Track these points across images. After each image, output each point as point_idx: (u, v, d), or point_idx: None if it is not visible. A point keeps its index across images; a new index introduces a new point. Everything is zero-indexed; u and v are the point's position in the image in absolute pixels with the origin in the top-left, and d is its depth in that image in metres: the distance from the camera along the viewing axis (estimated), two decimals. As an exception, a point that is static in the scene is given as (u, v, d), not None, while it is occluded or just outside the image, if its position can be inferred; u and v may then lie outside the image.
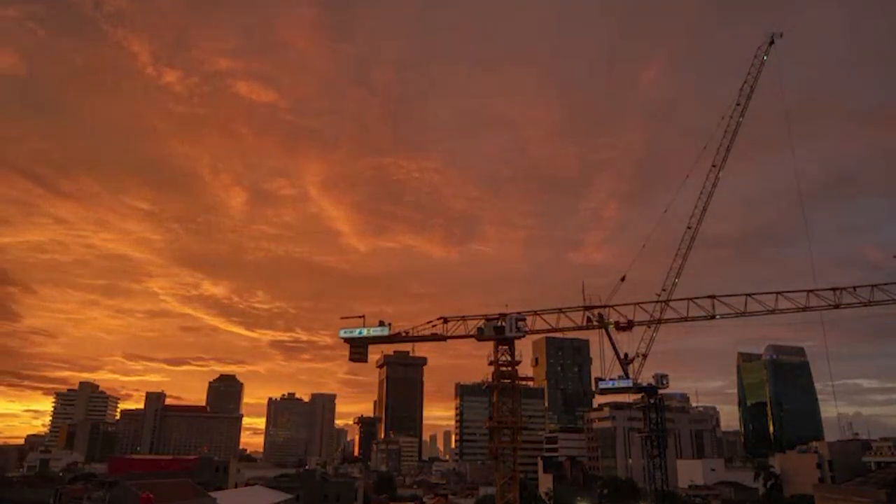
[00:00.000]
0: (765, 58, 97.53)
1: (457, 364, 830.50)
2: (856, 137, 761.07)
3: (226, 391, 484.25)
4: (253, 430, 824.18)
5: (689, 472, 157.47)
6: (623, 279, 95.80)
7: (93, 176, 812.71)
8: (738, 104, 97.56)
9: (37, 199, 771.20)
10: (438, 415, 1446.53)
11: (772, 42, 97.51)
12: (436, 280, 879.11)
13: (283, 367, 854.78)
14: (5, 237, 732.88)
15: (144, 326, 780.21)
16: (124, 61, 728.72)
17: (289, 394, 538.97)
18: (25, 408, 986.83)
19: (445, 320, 79.73)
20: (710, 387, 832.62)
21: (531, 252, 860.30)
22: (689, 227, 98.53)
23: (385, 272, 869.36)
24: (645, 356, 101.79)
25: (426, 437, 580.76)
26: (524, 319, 78.52)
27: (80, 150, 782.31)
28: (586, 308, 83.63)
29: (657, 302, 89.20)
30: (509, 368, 78.14)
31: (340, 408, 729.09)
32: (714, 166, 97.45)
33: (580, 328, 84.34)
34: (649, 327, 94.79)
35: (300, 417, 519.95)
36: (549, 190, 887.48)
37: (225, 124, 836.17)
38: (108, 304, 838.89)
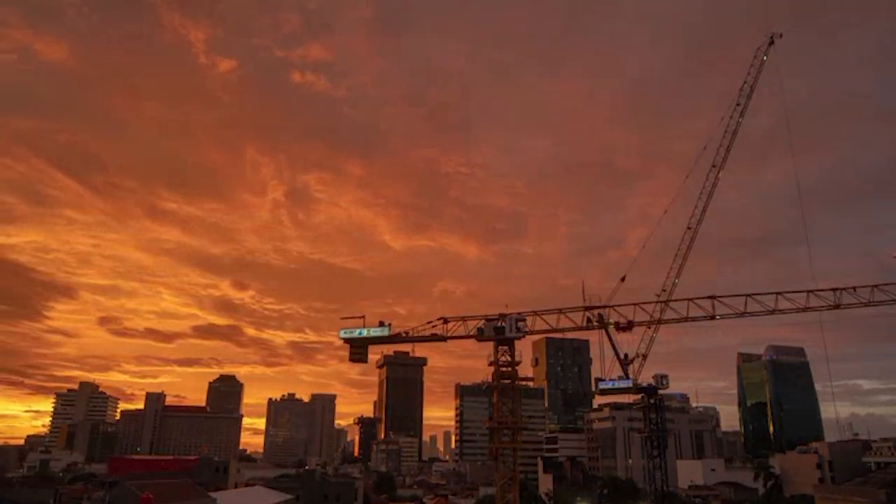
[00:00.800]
0: (765, 58, 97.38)
1: (457, 364, 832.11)
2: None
3: (226, 391, 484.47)
4: (253, 431, 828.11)
5: (689, 473, 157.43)
6: (623, 279, 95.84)
7: (126, 172, 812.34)
8: (737, 104, 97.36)
9: (71, 194, 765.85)
10: (438, 415, 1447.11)
11: (771, 42, 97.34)
12: (469, 279, 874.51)
13: (297, 368, 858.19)
14: (32, 234, 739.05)
15: (161, 327, 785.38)
16: (178, 49, 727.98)
17: (289, 394, 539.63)
18: (27, 408, 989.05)
19: (445, 321, 79.72)
20: (710, 387, 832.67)
21: (572, 248, 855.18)
22: (688, 228, 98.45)
23: (417, 271, 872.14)
24: (645, 356, 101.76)
25: (426, 437, 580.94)
26: (524, 320, 78.51)
27: (120, 144, 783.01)
28: (586, 308, 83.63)
29: (657, 302, 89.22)
30: (509, 369, 78.10)
31: (340, 408, 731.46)
32: (714, 166, 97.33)
33: (580, 328, 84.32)
34: (649, 328, 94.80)
35: (300, 418, 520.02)
36: (600, 183, 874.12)
37: (273, 115, 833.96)
38: (129, 306, 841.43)
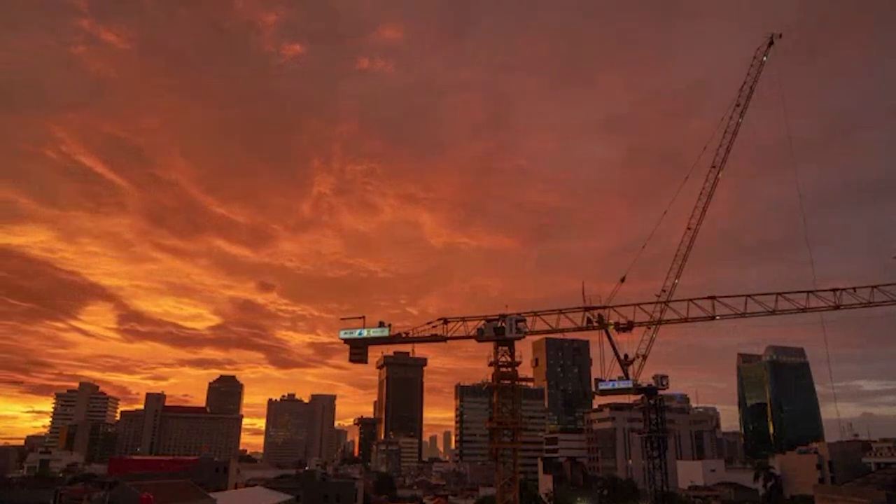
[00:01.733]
0: (764, 58, 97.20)
1: (457, 365, 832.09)
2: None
3: (226, 392, 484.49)
4: (253, 431, 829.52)
5: (689, 473, 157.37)
6: (623, 280, 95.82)
7: (171, 167, 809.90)
8: (737, 104, 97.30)
9: (111, 189, 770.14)
10: (438, 416, 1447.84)
11: (771, 43, 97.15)
12: (508, 277, 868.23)
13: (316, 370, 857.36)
14: (47, 232, 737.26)
15: (180, 328, 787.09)
16: (245, 34, 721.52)
17: (289, 394, 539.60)
18: (29, 408, 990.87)
19: (445, 321, 79.72)
20: (710, 387, 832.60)
21: (614, 246, 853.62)
22: (688, 228, 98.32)
23: (454, 267, 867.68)
24: (645, 357, 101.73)
25: (426, 437, 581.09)
26: (524, 320, 78.52)
27: (170, 138, 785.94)
28: (586, 309, 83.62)
29: (657, 303, 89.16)
30: (509, 369, 78.11)
31: (340, 409, 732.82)
32: (714, 167, 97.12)
33: (580, 329, 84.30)
34: (649, 328, 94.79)
35: (300, 418, 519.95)
36: (651, 185, 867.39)
37: (334, 102, 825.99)
38: (151, 307, 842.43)
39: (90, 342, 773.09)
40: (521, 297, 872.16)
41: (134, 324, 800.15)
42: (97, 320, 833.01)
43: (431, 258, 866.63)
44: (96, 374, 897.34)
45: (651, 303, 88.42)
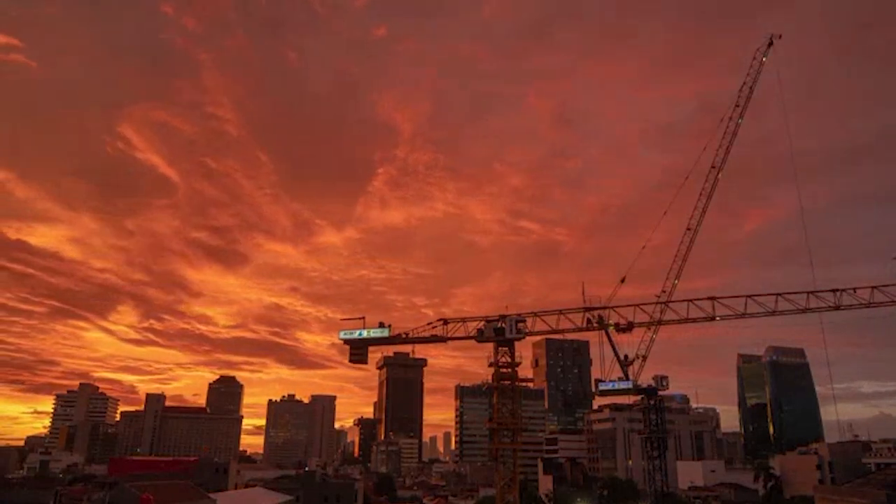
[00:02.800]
0: (763, 59, 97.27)
1: (457, 366, 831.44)
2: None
3: (226, 392, 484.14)
4: (253, 431, 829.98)
5: (689, 474, 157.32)
6: (623, 280, 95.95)
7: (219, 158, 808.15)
8: (737, 105, 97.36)
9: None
10: (438, 416, 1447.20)
11: (770, 44, 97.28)
12: (558, 273, 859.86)
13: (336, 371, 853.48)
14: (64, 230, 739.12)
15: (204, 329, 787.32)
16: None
17: (289, 395, 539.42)
18: (33, 409, 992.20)
19: (445, 322, 79.88)
20: (710, 388, 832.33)
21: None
22: (688, 229, 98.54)
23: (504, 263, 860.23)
24: (645, 358, 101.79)
25: (426, 438, 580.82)
26: (524, 321, 78.64)
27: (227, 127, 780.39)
28: (586, 310, 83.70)
29: (657, 303, 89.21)
30: (509, 370, 78.18)
31: (340, 409, 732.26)
32: (714, 167, 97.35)
33: (580, 329, 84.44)
34: (649, 329, 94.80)
35: (300, 419, 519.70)
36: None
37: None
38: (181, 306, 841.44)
39: (108, 342, 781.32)
40: (557, 297, 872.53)
41: (153, 322, 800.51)
42: (121, 319, 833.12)
43: (476, 255, 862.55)
44: (108, 375, 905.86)
45: (651, 303, 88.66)
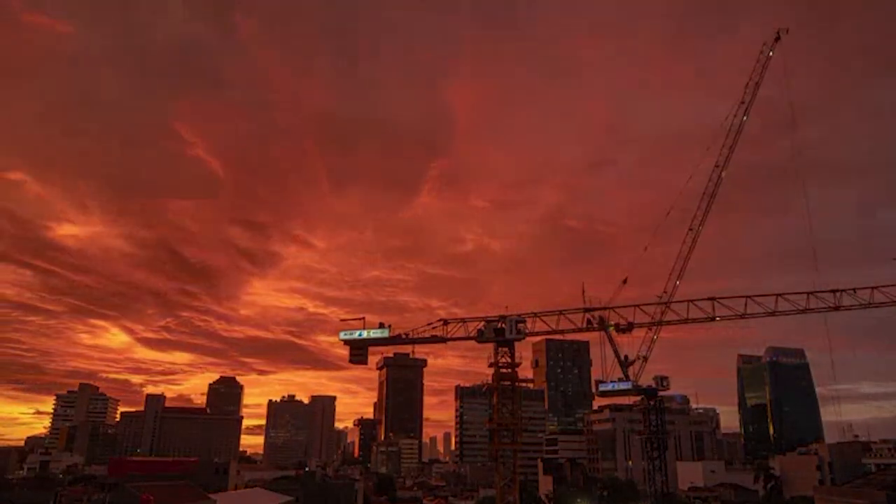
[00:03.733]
0: (770, 53, 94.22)
1: (457, 366, 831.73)
2: None
3: (226, 393, 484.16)
4: (253, 431, 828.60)
5: (689, 474, 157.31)
6: (625, 281, 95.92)
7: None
8: (742, 102, 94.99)
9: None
10: (438, 417, 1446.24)
11: (777, 38, 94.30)
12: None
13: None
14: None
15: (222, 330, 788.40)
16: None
17: (289, 395, 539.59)
18: (35, 409, 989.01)
19: (445, 322, 79.85)
20: (710, 388, 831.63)
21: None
22: (690, 229, 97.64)
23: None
24: (646, 359, 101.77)
25: (426, 438, 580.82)
26: (524, 322, 78.63)
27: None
28: (586, 310, 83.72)
29: (657, 304, 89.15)
30: (509, 370, 78.20)
31: (341, 410, 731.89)
32: (717, 166, 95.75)
33: (580, 330, 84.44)
34: (650, 330, 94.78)
35: (300, 419, 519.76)
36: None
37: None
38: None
39: (122, 342, 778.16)
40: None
41: (170, 321, 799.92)
42: (143, 319, 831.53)
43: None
44: (120, 376, 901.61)
45: (651, 304, 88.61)
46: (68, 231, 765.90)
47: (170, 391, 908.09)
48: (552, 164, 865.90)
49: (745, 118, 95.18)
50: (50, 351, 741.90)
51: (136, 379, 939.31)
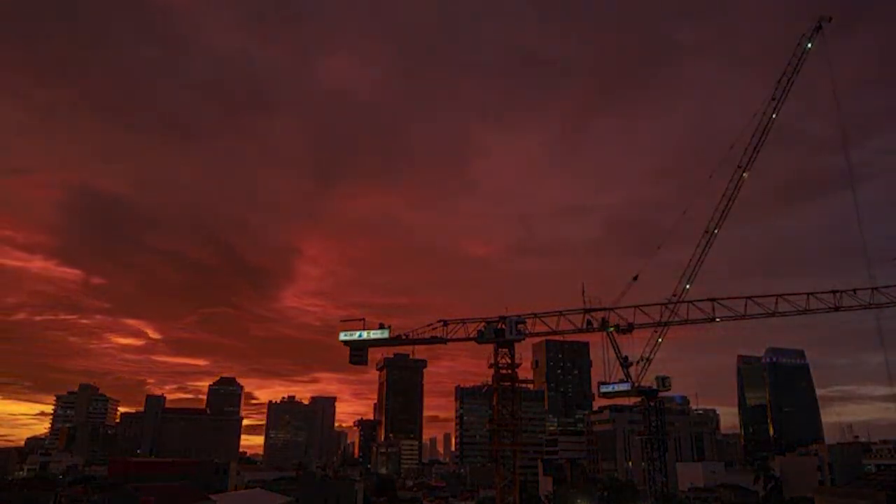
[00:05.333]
0: (808, 46, 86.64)
1: (457, 367, 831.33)
2: None
3: (226, 394, 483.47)
4: (253, 432, 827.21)
5: (689, 475, 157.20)
6: (636, 278, 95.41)
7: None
8: (773, 98, 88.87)
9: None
10: (438, 417, 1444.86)
11: (818, 27, 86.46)
12: None
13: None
14: None
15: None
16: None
17: (288, 396, 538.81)
18: (41, 410, 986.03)
19: (445, 323, 79.68)
20: (710, 389, 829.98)
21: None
22: (706, 231, 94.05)
23: None
24: (649, 360, 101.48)
25: (426, 439, 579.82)
26: (524, 322, 78.59)
27: None
28: (586, 311, 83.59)
29: (659, 304, 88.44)
30: (509, 371, 78.17)
31: (341, 410, 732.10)
32: (739, 167, 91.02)
33: (580, 331, 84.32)
34: (655, 331, 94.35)
35: (300, 420, 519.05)
36: None
37: None
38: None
39: (144, 344, 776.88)
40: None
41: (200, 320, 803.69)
42: (172, 321, 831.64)
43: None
44: (133, 377, 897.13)
45: (652, 304, 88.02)
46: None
47: (174, 393, 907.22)
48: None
49: (774, 116, 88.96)
50: (71, 350, 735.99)
51: (151, 379, 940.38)
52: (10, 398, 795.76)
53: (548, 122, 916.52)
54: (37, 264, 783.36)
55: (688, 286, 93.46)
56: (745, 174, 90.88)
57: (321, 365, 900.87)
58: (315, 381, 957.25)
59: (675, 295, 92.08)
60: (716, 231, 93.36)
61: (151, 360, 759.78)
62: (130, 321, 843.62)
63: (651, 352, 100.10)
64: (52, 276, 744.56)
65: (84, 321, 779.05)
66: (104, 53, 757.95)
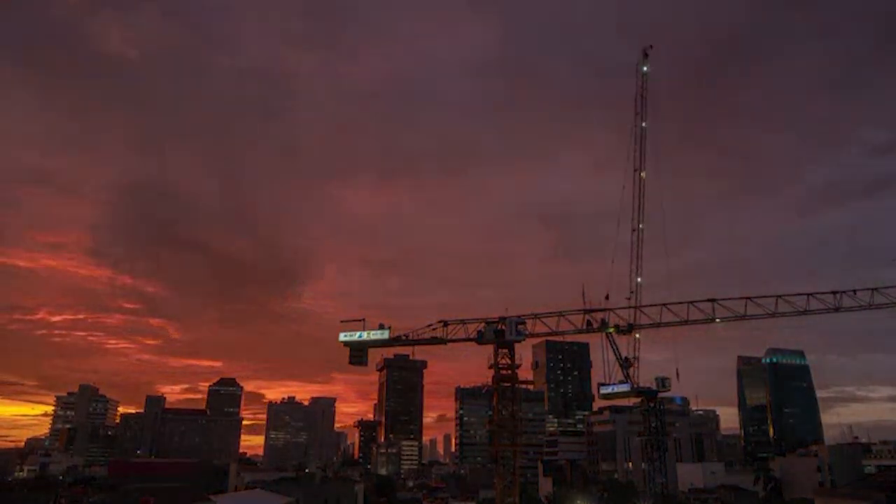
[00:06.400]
0: (645, 69, 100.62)
1: (457, 367, 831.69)
2: None
3: (226, 394, 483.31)
4: (253, 433, 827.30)
5: (689, 476, 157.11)
6: (607, 297, 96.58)
7: None
8: (636, 113, 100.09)
9: None
10: (438, 418, 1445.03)
11: (646, 55, 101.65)
12: None
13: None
14: None
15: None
16: None
17: (288, 397, 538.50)
18: (45, 411, 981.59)
19: (445, 324, 79.66)
20: (710, 390, 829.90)
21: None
22: (633, 230, 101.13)
23: None
24: (637, 359, 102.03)
25: (426, 440, 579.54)
26: (524, 323, 78.59)
27: None
28: (586, 311, 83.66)
29: (659, 305, 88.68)
30: (509, 372, 78.15)
31: (341, 410, 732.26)
32: (636, 169, 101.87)
33: (580, 331, 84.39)
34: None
35: (300, 421, 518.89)
36: None
37: None
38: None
39: (161, 343, 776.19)
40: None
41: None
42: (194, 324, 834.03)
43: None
44: (141, 378, 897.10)
45: (652, 305, 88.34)
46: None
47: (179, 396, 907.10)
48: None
49: (643, 125, 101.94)
50: (86, 350, 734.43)
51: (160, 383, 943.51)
52: (9, 399, 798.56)
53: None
54: (67, 263, 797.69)
55: (639, 279, 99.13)
56: (642, 173, 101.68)
57: (332, 366, 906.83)
58: (329, 381, 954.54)
59: (632, 292, 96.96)
60: (641, 227, 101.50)
61: (163, 362, 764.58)
62: (154, 320, 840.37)
63: (636, 351, 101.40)
64: (80, 276, 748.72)
65: (108, 320, 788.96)
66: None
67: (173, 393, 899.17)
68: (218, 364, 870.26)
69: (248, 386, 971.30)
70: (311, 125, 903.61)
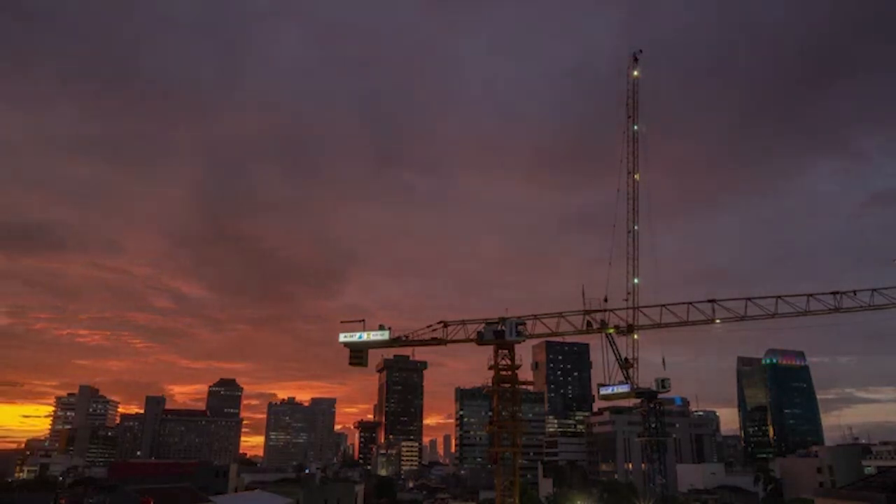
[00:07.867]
0: (635, 73, 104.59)
1: (457, 368, 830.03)
2: None
3: (226, 395, 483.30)
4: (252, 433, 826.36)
5: (689, 477, 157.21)
6: (605, 300, 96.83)
7: None
8: (628, 116, 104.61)
9: None
10: (438, 419, 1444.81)
11: (636, 59, 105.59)
12: None
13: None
14: None
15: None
16: None
17: (289, 398, 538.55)
18: (48, 412, 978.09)
19: (445, 324, 79.62)
20: (710, 391, 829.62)
21: None
22: (628, 232, 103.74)
23: None
24: (637, 360, 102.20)
25: (426, 441, 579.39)
26: (524, 324, 78.53)
27: None
28: (586, 312, 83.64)
29: (658, 306, 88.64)
30: (509, 373, 78.10)
31: (341, 411, 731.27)
32: (629, 172, 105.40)
33: (580, 332, 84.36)
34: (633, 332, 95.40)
35: (300, 422, 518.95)
36: None
37: None
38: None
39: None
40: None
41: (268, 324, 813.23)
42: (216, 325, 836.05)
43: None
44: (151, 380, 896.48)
45: (652, 306, 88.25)
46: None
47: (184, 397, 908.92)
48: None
49: (635, 128, 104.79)
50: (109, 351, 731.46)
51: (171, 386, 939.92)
52: (9, 400, 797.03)
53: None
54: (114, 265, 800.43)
55: (636, 280, 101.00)
56: (636, 175, 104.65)
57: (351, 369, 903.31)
58: (343, 383, 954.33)
59: (628, 293, 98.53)
60: (636, 228, 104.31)
61: (179, 363, 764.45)
62: (188, 319, 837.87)
63: (634, 351, 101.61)
64: (126, 277, 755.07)
65: (142, 321, 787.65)
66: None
67: (186, 394, 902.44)
68: (241, 366, 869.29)
69: (273, 389, 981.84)
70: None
